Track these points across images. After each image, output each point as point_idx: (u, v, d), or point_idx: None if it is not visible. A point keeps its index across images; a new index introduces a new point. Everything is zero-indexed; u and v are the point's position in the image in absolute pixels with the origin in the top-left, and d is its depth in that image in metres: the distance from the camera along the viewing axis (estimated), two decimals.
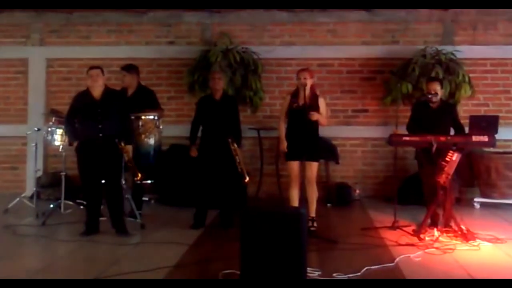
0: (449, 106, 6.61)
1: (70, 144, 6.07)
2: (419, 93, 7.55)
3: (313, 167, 6.06)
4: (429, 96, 6.24)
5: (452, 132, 6.35)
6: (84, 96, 5.95)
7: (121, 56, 8.30)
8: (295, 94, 6.10)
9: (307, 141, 5.94)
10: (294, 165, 6.06)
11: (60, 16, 8.71)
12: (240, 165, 6.20)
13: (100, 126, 5.78)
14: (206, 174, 6.28)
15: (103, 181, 5.92)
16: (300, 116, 5.96)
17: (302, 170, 6.04)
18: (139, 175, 5.97)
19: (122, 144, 5.79)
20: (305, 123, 5.95)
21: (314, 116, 5.94)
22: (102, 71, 5.97)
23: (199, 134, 6.46)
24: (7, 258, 5.10)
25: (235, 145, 6.22)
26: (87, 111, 5.83)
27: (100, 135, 5.78)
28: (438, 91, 6.25)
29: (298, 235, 4.17)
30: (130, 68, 6.75)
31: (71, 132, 6.03)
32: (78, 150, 5.91)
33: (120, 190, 6.09)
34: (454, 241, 5.67)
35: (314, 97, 6.09)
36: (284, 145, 6.12)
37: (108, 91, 5.97)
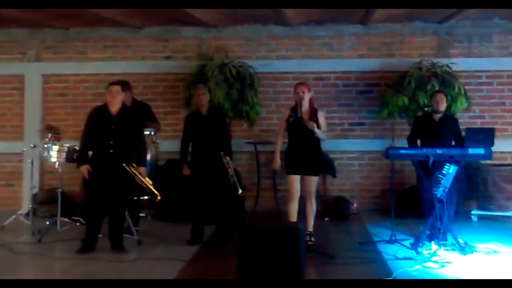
0: (452, 118, 6.63)
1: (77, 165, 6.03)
2: (415, 106, 7.57)
3: (313, 182, 6.05)
4: (433, 107, 6.31)
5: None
6: (101, 111, 5.95)
7: (117, 71, 8.32)
8: (294, 109, 6.05)
9: (307, 155, 5.94)
10: (295, 179, 6.00)
11: (56, 32, 8.73)
12: (233, 178, 6.17)
13: (111, 142, 5.77)
14: (200, 190, 6.25)
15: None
16: (299, 130, 5.96)
17: (302, 184, 6.02)
18: (158, 194, 5.87)
19: (131, 167, 5.75)
20: (304, 137, 5.95)
21: (310, 124, 5.90)
22: (123, 88, 5.98)
23: (190, 149, 6.43)
24: (3, 276, 5.03)
25: (228, 158, 6.20)
26: (101, 126, 5.84)
27: (111, 151, 5.77)
28: (443, 102, 6.31)
29: (296, 250, 4.16)
30: (123, 86, 6.72)
31: (80, 155, 6.01)
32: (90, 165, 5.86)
33: (124, 208, 6.05)
34: (452, 255, 5.64)
35: (313, 111, 6.09)
36: (277, 162, 6.11)
37: (125, 109, 5.99)
